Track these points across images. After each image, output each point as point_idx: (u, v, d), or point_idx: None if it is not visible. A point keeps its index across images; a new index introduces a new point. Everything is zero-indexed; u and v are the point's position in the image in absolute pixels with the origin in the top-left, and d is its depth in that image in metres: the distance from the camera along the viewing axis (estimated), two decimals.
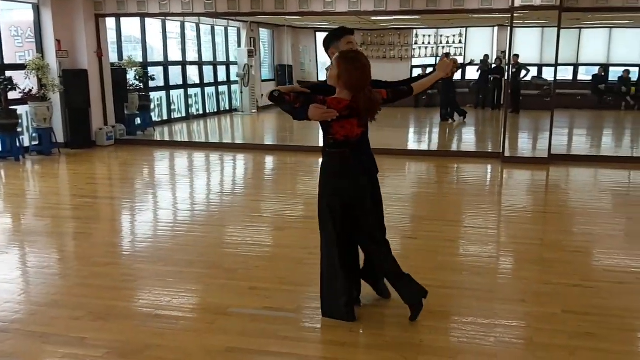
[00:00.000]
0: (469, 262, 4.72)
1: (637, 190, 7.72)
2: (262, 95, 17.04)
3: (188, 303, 3.95)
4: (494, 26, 17.54)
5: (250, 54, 15.69)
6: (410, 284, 3.57)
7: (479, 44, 17.94)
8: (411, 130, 14.44)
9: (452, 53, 18.19)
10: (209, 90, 15.62)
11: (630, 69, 16.87)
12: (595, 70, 17.26)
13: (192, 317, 3.75)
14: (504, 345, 3.39)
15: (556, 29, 8.78)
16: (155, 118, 13.18)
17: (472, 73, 17.91)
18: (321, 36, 18.85)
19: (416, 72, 18.11)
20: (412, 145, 12.02)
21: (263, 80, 17.38)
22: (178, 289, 4.13)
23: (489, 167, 9.02)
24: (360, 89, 3.32)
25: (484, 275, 4.43)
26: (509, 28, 9.50)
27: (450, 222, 5.99)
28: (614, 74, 17.13)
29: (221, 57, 16.22)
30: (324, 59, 19.29)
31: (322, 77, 19.07)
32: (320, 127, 3.49)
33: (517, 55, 15.08)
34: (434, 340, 3.41)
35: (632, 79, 16.78)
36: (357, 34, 18.40)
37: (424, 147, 11.94)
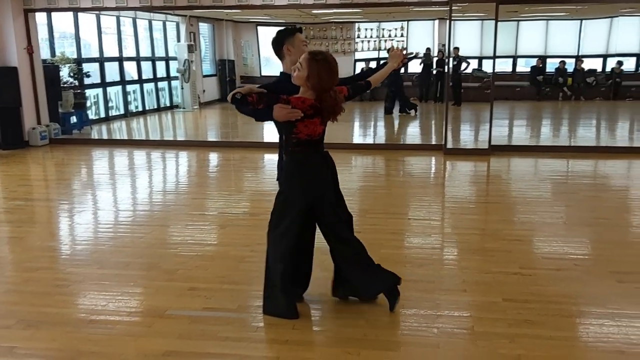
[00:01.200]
0: (412, 254, 4.73)
1: (575, 178, 7.97)
2: (204, 90, 16.76)
3: (125, 307, 3.78)
4: (434, 19, 17.80)
5: (190, 49, 15.36)
6: (384, 270, 3.65)
7: (420, 37, 18.19)
8: (356, 124, 14.47)
9: (394, 46, 18.35)
10: (148, 86, 15.20)
11: (566, 60, 17.50)
12: (534, 62, 17.80)
13: (129, 321, 3.58)
14: (446, 336, 3.39)
15: (494, 21, 8.92)
16: (92, 116, 12.72)
17: (415, 66, 18.13)
18: (263, 30, 18.74)
19: (359, 66, 18.24)
20: (357, 139, 12.05)
21: (204, 76, 17.07)
22: (114, 293, 3.96)
23: (432, 159, 9.13)
24: (327, 90, 3.30)
25: (427, 266, 4.44)
26: (447, 21, 9.61)
27: (394, 214, 6.00)
28: (552, 65, 17.71)
29: (160, 53, 15.80)
30: (267, 54, 19.13)
31: (266, 72, 19.00)
32: (278, 127, 3.44)
33: (457, 48, 15.38)
34: (377, 334, 3.38)
35: (569, 70, 17.41)
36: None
37: (368, 140, 12.00)
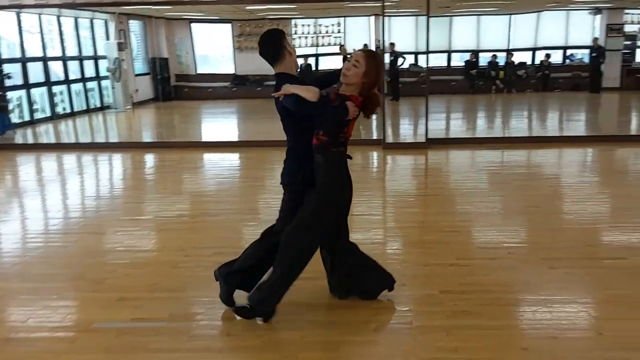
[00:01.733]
0: None
1: (508, 168, 8.14)
2: (137, 90, 16.24)
3: (47, 322, 3.54)
4: (370, 15, 17.91)
5: (121, 47, 14.83)
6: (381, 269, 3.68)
7: (357, 33, 18.25)
8: None
9: (331, 42, 18.36)
10: (76, 87, 14.55)
11: (498, 54, 17.99)
12: (467, 56, 18.21)
13: (51, 337, 3.35)
14: (385, 332, 3.36)
15: (426, 17, 9.01)
16: (15, 119, 12.05)
17: None
18: (197, 27, 18.33)
19: (298, 62, 18.10)
20: None
21: (137, 75, 16.52)
22: (36, 307, 3.70)
23: (371, 154, 9.13)
24: (375, 87, 3.37)
25: None
26: (381, 17, 9.64)
27: None
28: (484, 59, 18.17)
29: (88, 52, 15.15)
30: (202, 51, 18.75)
31: (202, 70, 18.60)
32: (326, 127, 3.32)
33: (393, 44, 15.55)
34: (316, 334, 3.30)
35: (500, 64, 17.91)
36: (234, 24, 18.06)
37: None
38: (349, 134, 3.41)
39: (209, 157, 9.31)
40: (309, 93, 3.19)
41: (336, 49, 18.32)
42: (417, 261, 4.39)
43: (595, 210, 5.71)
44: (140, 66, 17.06)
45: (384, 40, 9.83)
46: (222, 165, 8.82)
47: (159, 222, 5.68)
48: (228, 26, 18.16)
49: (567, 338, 3.23)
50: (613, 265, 4.21)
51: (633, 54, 17.96)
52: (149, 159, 9.46)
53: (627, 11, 17.53)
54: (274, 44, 3.43)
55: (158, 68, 17.39)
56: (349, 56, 3.53)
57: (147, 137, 12.40)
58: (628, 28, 17.78)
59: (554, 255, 4.40)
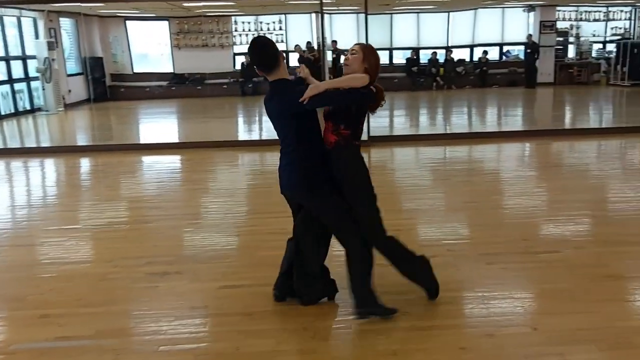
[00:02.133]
0: None
1: (449, 164, 8.24)
2: (70, 91, 15.61)
3: None
4: (311, 13, 17.83)
5: (51, 46, 14.17)
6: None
7: (299, 30, 18.14)
8: (240, 120, 14.17)
9: (273, 40, 18.11)
10: (3, 88, 13.80)
11: (438, 51, 18.28)
12: (409, 53, 18.42)
13: None
14: (323, 339, 3.28)
15: (365, 14, 9.00)
16: None
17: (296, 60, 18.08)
18: (132, 25, 17.76)
19: (239, 60, 17.85)
20: (242, 135, 11.78)
21: (69, 75, 15.84)
22: None
23: None
24: (376, 77, 3.35)
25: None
26: (319, 14, 9.57)
27: (276, 213, 5.77)
28: (425, 56, 18.41)
29: (15, 51, 14.40)
30: (138, 50, 18.21)
31: (139, 69, 18.06)
32: (352, 119, 3.34)
33: (335, 42, 15.52)
34: (250, 345, 3.18)
35: (440, 61, 18.19)
36: (172, 22, 17.63)
37: (252, 137, 11.75)
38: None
39: (147, 160, 9.01)
40: (358, 80, 3.23)
41: (280, 46, 18.10)
42: None
43: (531, 204, 5.82)
44: (73, 66, 16.37)
45: (323, 38, 9.73)
46: (160, 168, 8.54)
47: (89, 231, 5.40)
48: (165, 24, 17.69)
49: (504, 335, 3.23)
50: (548, 258, 4.27)
51: (565, 50, 18.62)
52: (84, 163, 9.07)
53: (559, 8, 18.17)
54: (270, 52, 3.38)
55: (89, 68, 16.71)
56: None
57: (81, 140, 11.90)
58: (560, 25, 18.42)
59: (491, 251, 4.43)
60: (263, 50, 3.37)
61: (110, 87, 17.52)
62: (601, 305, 3.51)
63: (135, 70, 18.03)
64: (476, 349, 3.10)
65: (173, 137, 11.67)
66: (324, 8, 9.08)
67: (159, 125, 13.17)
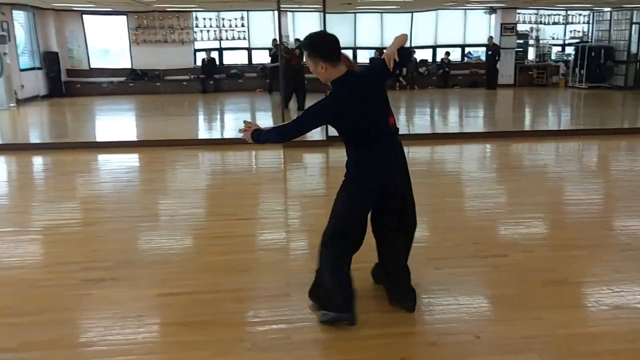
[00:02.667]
0: (236, 260, 4.39)
1: (409, 166, 8.15)
2: (23, 86, 15.10)
3: None
4: (274, 10, 17.65)
5: (2, 40, 13.64)
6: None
7: (262, 27, 17.93)
8: (200, 118, 13.88)
9: (235, 37, 17.92)
10: None
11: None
12: (373, 53, 18.37)
13: None
14: (259, 350, 3.13)
15: (323, 13, 8.88)
16: None
17: (260, 57, 17.88)
18: (90, 19, 17.26)
19: (200, 56, 17.53)
20: (202, 134, 11.54)
21: (22, 70, 15.29)
22: None
23: (271, 153, 8.88)
24: None
25: (250, 272, 4.16)
26: (284, 12, 9.41)
27: (225, 216, 5.64)
28: None
29: None
30: (96, 45, 17.73)
31: (96, 64, 17.57)
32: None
33: (299, 40, 15.34)
34: (184, 357, 3.03)
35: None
36: (131, 16, 17.21)
37: (212, 135, 11.51)
38: None
39: (102, 159, 8.71)
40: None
41: (242, 44, 17.95)
42: (305, 268, 4.18)
43: (485, 206, 5.80)
44: (27, 61, 15.82)
45: (281, 36, 9.56)
46: (114, 167, 8.26)
47: (28, 234, 5.14)
48: (123, 18, 17.25)
49: (446, 343, 3.16)
50: (495, 263, 4.23)
51: (525, 53, 18.89)
52: (36, 162, 8.73)
53: (519, 11, 18.40)
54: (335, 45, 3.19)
55: (43, 62, 16.16)
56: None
57: (33, 137, 11.46)
58: (520, 27, 18.67)
59: (440, 255, 4.37)
60: (328, 41, 3.24)
61: (65, 82, 16.97)
62: (546, 312, 3.47)
63: (92, 66, 17.51)
64: (418, 358, 3.01)
65: (130, 135, 11.34)
66: (282, 6, 8.89)
67: (115, 122, 12.81)
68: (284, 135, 3.33)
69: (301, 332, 3.28)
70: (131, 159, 8.72)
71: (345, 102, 3.18)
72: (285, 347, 3.12)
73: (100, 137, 11.31)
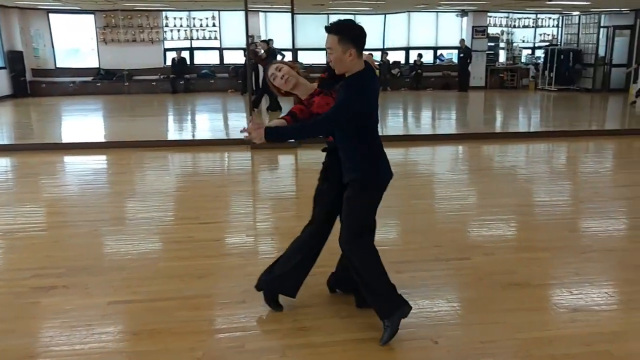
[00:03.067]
0: (194, 265, 4.27)
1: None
2: None
3: None
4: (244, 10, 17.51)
5: None
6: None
7: (233, 27, 17.76)
8: (170, 118, 13.66)
9: (206, 36, 17.72)
10: None
11: (374, 52, 18.29)
12: None
13: None
14: (211, 359, 3.02)
15: (299, 14, 8.79)
16: None
17: (232, 57, 17.70)
18: (56, 18, 16.89)
19: (170, 55, 17.29)
20: (171, 135, 11.35)
21: None
22: None
23: (239, 154, 8.75)
24: None
25: (207, 277, 4.04)
26: (255, 12, 9.30)
27: (186, 219, 5.51)
28: None
29: None
30: (62, 44, 17.38)
31: (62, 64, 17.20)
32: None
33: (267, 41, 15.19)
34: None
35: (376, 62, 18.23)
36: (99, 15, 16.89)
37: (182, 136, 11.32)
38: None
39: (67, 161, 8.52)
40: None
41: (213, 43, 17.77)
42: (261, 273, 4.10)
43: (451, 208, 5.77)
44: None
45: (247, 37, 9.40)
46: (79, 169, 8.07)
47: None
48: (91, 17, 16.92)
49: (404, 349, 3.10)
50: (457, 266, 4.19)
51: (496, 55, 19.07)
52: (1, 163, 8.45)
53: (490, 14, 18.57)
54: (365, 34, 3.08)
55: (6, 61, 15.75)
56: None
57: None
58: (491, 30, 18.85)
59: (403, 259, 4.31)
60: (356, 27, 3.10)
61: (30, 82, 16.58)
62: (505, 316, 3.43)
63: (58, 65, 17.15)
64: None
65: (96, 136, 11.09)
66: (251, 6, 8.77)
67: (82, 123, 12.52)
68: (313, 129, 3.15)
69: (256, 340, 3.19)
70: (96, 161, 8.51)
71: (372, 92, 3.10)
72: (238, 356, 3.02)
73: (66, 138, 11.05)
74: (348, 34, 2.99)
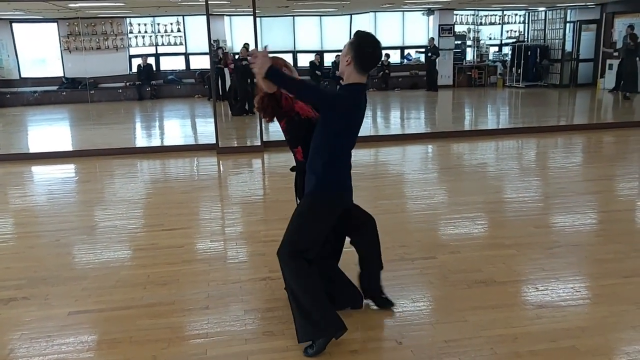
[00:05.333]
0: (156, 273, 4.18)
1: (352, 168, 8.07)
2: None
3: None
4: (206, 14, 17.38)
5: None
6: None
7: (199, 32, 17.57)
8: (137, 125, 13.46)
9: (172, 42, 17.53)
10: None
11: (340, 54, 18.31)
12: (312, 56, 18.33)
13: None
14: None
15: (264, 17, 8.73)
16: None
17: (198, 62, 17.54)
18: (19, 28, 16.52)
19: (136, 62, 17.07)
20: (139, 142, 11.17)
21: None
22: None
23: (206, 160, 8.64)
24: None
25: (170, 285, 3.96)
26: (222, 16, 9.21)
27: (149, 227, 5.40)
28: (329, 60, 18.40)
29: None
30: (26, 54, 17.01)
31: (27, 73, 16.83)
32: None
33: (247, 44, 15.07)
34: None
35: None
36: (62, 24, 16.58)
37: (151, 143, 11.15)
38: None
39: (34, 171, 8.30)
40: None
41: (179, 49, 17.59)
42: (225, 279, 4.04)
43: (417, 208, 5.78)
44: None
45: (210, 41, 9.25)
46: (43, 179, 7.89)
47: None
48: (54, 26, 16.59)
49: (368, 350, 3.07)
50: (423, 265, 4.19)
51: (464, 53, 19.25)
52: None
53: (456, 12, 18.72)
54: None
55: None
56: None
57: None
58: (458, 28, 19.01)
59: None
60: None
61: None
62: (470, 314, 3.43)
63: (22, 75, 16.78)
64: None
65: (62, 145, 10.85)
66: (213, 10, 8.69)
67: (47, 132, 12.27)
68: (307, 89, 3.06)
69: (219, 346, 3.13)
70: (61, 170, 8.32)
71: (356, 108, 3.07)
72: None
73: (31, 148, 10.81)
74: (357, 43, 3.00)
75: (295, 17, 18.31)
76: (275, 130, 10.60)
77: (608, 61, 16.28)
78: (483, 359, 2.96)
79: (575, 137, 9.89)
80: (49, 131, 12.40)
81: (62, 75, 16.88)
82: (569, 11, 17.87)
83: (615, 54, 15.56)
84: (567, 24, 17.91)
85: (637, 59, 14.21)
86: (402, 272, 4.06)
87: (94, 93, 16.35)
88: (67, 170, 8.35)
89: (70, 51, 16.74)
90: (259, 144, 8.89)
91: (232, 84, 14.30)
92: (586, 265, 4.22)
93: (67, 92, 16.58)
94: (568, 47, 17.92)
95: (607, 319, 3.35)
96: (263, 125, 9.15)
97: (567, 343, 3.10)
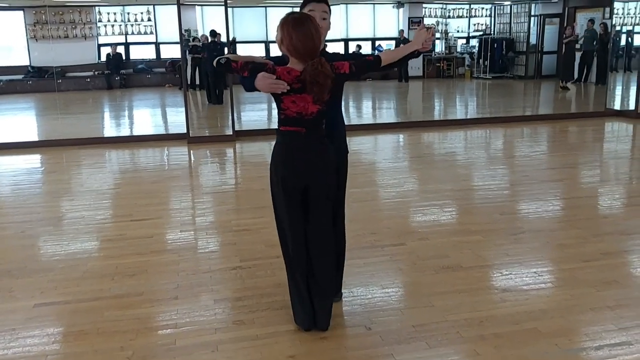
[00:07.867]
0: (124, 264, 4.15)
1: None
2: None
3: None
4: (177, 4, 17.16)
5: None
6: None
7: (170, 22, 17.32)
8: (106, 115, 13.26)
9: (142, 31, 17.29)
10: None
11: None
12: None
13: None
14: (142, 358, 2.94)
15: (234, 7, 8.67)
16: None
17: (168, 51, 17.33)
18: None
19: (105, 51, 16.79)
20: (108, 132, 11.00)
21: None
22: None
23: (177, 150, 8.58)
24: (306, 56, 2.81)
25: (139, 276, 3.93)
26: (194, 6, 9.12)
27: (118, 217, 5.36)
28: None
29: None
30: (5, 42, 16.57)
31: (4, 62, 16.38)
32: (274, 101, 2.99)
33: (219, 34, 14.91)
34: None
35: None
36: (28, 12, 16.18)
37: (120, 132, 11.00)
38: (292, 111, 2.95)
39: (0, 161, 8.10)
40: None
41: (149, 38, 17.33)
42: (195, 269, 4.03)
43: (387, 196, 5.87)
44: None
45: (181, 31, 9.19)
46: (8, 170, 7.68)
47: None
48: (20, 14, 16.18)
49: (337, 336, 3.10)
50: (392, 252, 4.24)
51: (433, 45, 19.39)
52: None
53: (425, 5, 18.89)
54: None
55: None
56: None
57: None
58: (427, 21, 19.15)
59: None
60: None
61: None
62: (437, 299, 3.49)
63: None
64: (306, 355, 2.94)
65: (29, 135, 10.62)
66: (184, 0, 8.60)
67: (12, 122, 12.00)
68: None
69: (188, 336, 3.12)
70: (27, 161, 8.15)
71: None
72: (169, 353, 2.96)
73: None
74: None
75: (268, 8, 18.22)
76: (247, 120, 10.62)
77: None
78: (449, 343, 3.02)
79: (539, 127, 10.10)
80: (14, 121, 12.14)
81: (29, 64, 16.50)
82: (533, 5, 18.20)
83: (578, 46, 15.93)
84: (532, 18, 18.26)
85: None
86: (372, 259, 4.11)
87: (62, 82, 15.99)
88: (32, 161, 8.20)
89: (37, 39, 16.35)
90: (231, 133, 8.85)
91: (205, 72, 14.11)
92: (548, 250, 4.33)
93: (33, 81, 16.21)
94: (533, 40, 18.28)
95: (567, 302, 3.45)
96: (235, 114, 9.09)
97: (529, 325, 3.18)
